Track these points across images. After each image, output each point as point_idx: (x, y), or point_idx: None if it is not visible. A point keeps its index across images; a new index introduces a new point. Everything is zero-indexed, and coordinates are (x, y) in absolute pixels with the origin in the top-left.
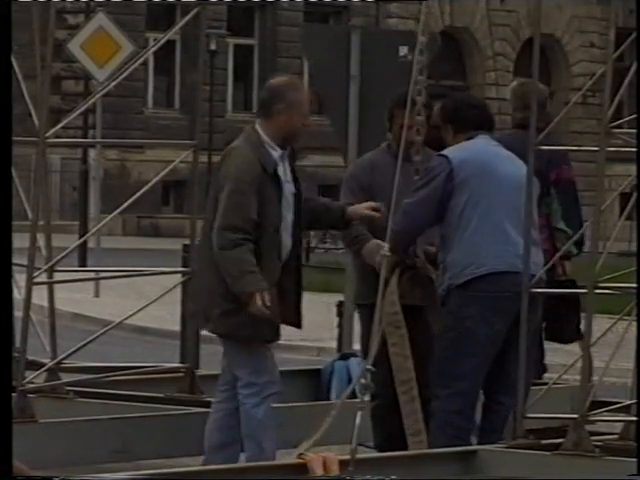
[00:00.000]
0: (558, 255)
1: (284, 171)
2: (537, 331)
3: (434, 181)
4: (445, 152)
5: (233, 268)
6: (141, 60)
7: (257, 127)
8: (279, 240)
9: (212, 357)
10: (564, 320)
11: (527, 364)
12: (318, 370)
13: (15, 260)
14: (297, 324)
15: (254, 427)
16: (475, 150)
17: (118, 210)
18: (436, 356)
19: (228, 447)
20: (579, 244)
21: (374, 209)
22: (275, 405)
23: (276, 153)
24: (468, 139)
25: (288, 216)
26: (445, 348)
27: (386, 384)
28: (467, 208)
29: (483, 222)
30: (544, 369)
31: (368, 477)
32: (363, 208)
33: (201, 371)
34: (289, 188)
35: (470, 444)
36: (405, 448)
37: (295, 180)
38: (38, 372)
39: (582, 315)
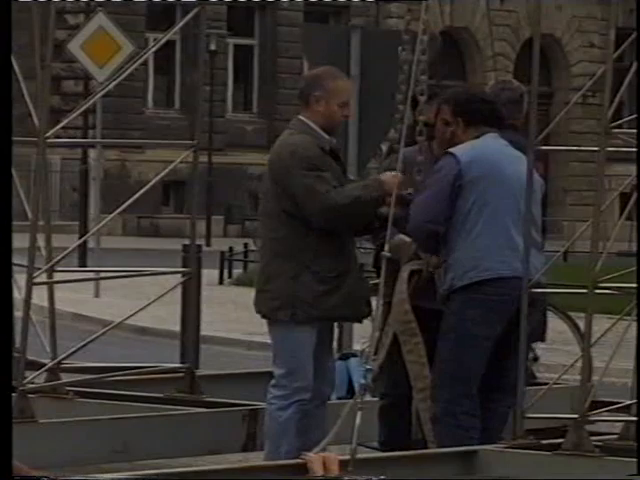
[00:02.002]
0: (556, 257)
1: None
2: (534, 331)
3: (443, 179)
4: (453, 150)
5: (350, 206)
6: (141, 60)
7: (301, 117)
8: None
9: (212, 357)
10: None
11: (511, 366)
12: None
13: (15, 260)
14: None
15: (275, 429)
16: (484, 150)
17: (118, 210)
18: (438, 358)
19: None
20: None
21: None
22: None
23: (326, 137)
24: (478, 136)
25: None
26: (448, 350)
27: (397, 384)
28: (474, 209)
29: (489, 225)
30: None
31: (368, 477)
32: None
33: (201, 371)
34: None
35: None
36: (409, 448)
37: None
38: (38, 372)
39: (581, 316)
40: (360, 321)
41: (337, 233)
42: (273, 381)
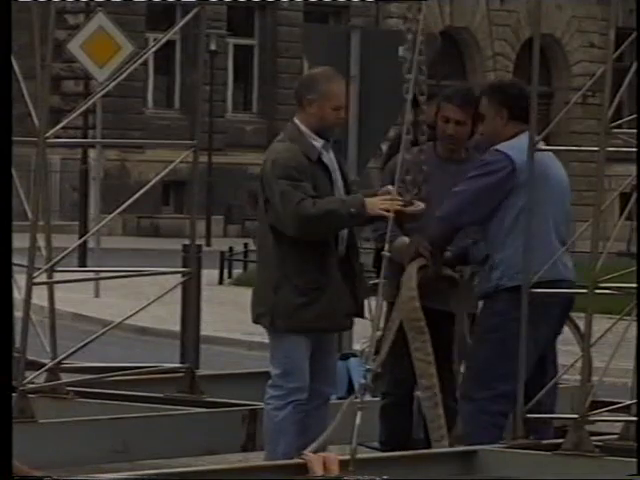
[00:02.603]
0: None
1: (330, 160)
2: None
3: (493, 176)
4: (504, 149)
5: (321, 218)
6: (141, 60)
7: (295, 120)
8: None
9: (212, 357)
10: None
11: (549, 365)
12: None
13: (15, 260)
14: (359, 314)
15: (272, 429)
16: (523, 148)
17: (118, 210)
18: (476, 356)
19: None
20: None
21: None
22: None
23: (318, 143)
24: (517, 133)
25: None
26: (489, 349)
27: (399, 383)
28: (524, 211)
29: (539, 228)
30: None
31: (372, 477)
32: (378, 205)
33: (201, 371)
34: (339, 177)
35: None
36: (410, 448)
37: (342, 172)
38: (38, 372)
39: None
40: (340, 332)
41: (320, 246)
42: (270, 381)
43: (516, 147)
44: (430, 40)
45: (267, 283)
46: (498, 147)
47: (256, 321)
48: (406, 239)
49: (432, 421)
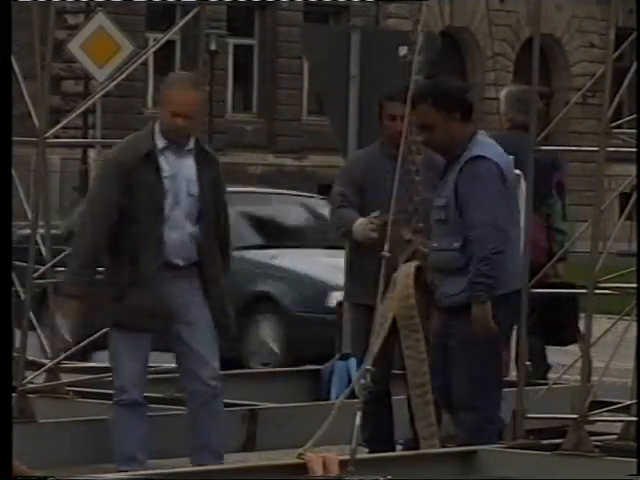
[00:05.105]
0: (556, 258)
1: (168, 163)
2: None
3: (493, 185)
4: (487, 155)
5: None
6: (141, 60)
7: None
8: (157, 234)
9: None
10: (563, 323)
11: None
12: (318, 370)
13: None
14: (224, 327)
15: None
16: (501, 152)
17: None
18: (472, 365)
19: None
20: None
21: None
22: (275, 405)
23: (160, 143)
24: (474, 134)
25: (176, 211)
26: (486, 356)
27: (377, 381)
28: (510, 216)
29: (517, 234)
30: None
31: (367, 477)
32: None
33: None
34: (180, 185)
35: None
36: (392, 444)
37: (201, 183)
38: (38, 372)
39: (581, 316)
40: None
41: (132, 241)
42: None
43: (491, 148)
44: (431, 40)
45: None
46: (482, 154)
47: None
48: (363, 219)
49: (422, 419)
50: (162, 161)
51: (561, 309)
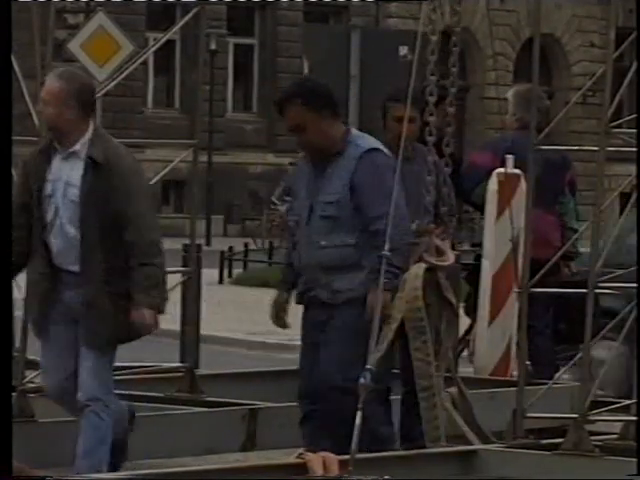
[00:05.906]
0: (559, 255)
1: (57, 168)
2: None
3: (390, 176)
4: (376, 146)
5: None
6: (141, 60)
7: None
8: (44, 240)
9: (212, 357)
10: (579, 322)
11: None
12: None
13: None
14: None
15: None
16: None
17: None
18: (348, 348)
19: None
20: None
21: None
22: (275, 405)
23: (57, 145)
24: (347, 132)
25: (58, 219)
26: (362, 342)
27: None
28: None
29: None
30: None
31: (367, 477)
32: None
33: (201, 371)
34: (59, 187)
35: None
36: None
37: (93, 191)
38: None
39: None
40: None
41: (39, 241)
42: None
43: (381, 145)
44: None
45: None
46: (374, 147)
47: None
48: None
49: (429, 422)
50: (54, 162)
51: (578, 308)
